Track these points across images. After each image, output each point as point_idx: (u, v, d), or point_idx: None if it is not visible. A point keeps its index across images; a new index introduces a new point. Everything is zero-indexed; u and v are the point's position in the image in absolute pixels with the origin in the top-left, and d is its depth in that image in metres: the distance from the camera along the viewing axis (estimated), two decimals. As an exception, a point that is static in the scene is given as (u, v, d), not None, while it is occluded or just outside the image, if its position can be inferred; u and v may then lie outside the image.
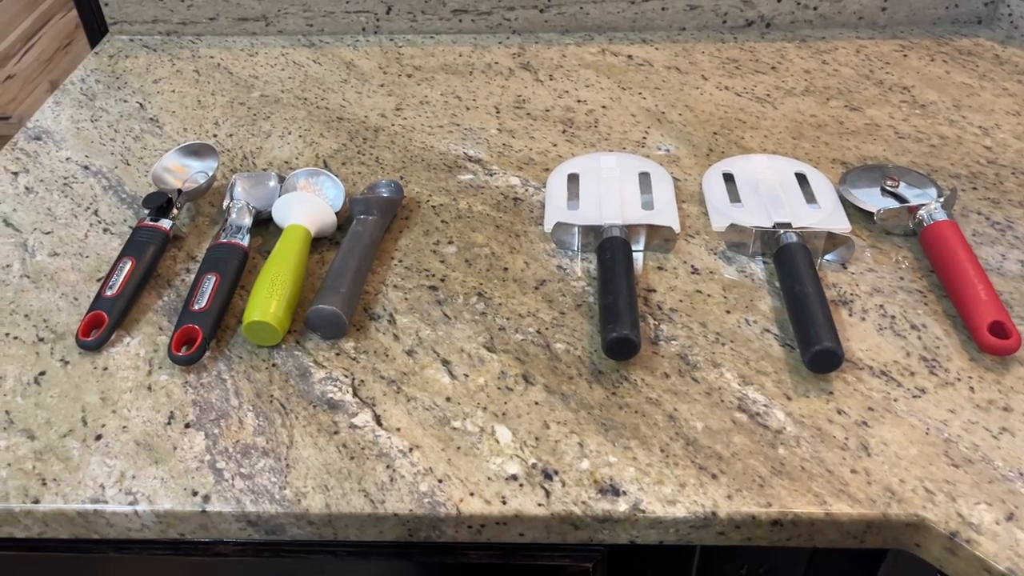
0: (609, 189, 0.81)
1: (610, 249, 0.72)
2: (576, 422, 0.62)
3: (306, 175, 0.82)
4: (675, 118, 0.94)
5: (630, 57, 1.05)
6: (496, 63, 1.05)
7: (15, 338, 0.70)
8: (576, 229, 0.75)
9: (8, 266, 0.77)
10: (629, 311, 0.66)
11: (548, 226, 0.78)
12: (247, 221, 0.76)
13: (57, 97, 1.01)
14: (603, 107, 0.96)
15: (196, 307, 0.68)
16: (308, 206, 0.76)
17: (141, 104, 0.99)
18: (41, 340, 0.70)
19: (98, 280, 0.75)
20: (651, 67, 1.03)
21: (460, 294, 0.73)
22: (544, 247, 0.77)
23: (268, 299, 0.68)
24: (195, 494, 0.58)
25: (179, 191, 0.79)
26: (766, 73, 1.01)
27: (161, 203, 0.76)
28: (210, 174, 0.82)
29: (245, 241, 0.75)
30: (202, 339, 0.67)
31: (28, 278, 0.76)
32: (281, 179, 0.82)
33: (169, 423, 0.63)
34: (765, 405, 0.62)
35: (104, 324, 0.68)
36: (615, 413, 0.62)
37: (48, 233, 0.81)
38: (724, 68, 1.02)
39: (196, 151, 0.85)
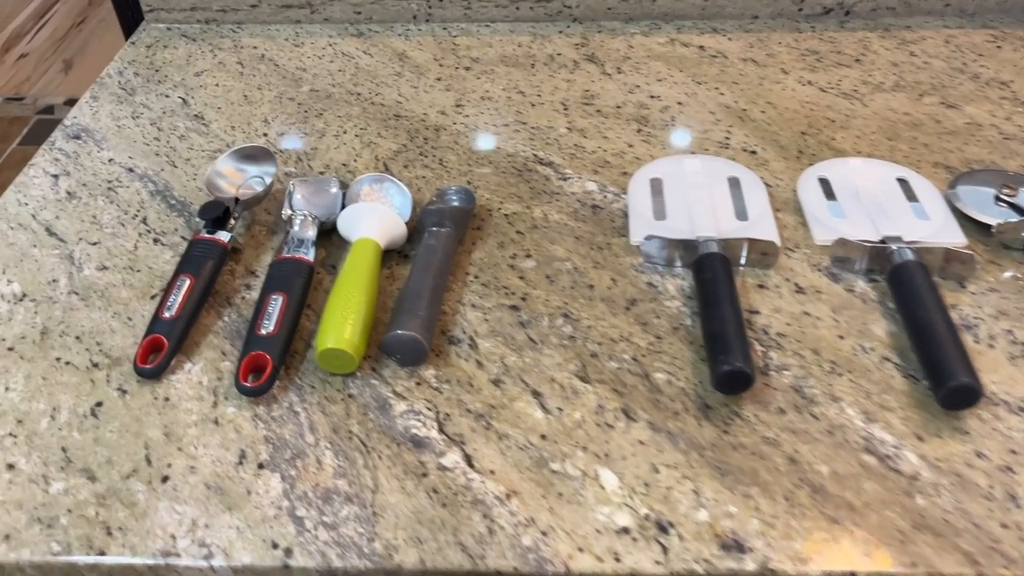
0: (698, 197, 0.75)
1: (709, 267, 0.67)
2: (688, 465, 0.56)
3: (370, 181, 0.77)
4: (757, 116, 0.88)
5: (702, 48, 0.99)
6: (559, 54, 0.98)
7: (67, 363, 0.65)
8: (668, 243, 0.69)
9: (55, 281, 0.72)
10: (739, 340, 0.60)
11: (635, 238, 0.72)
12: (311, 233, 0.71)
13: (94, 91, 0.96)
14: (679, 103, 0.90)
15: (263, 332, 0.63)
16: (379, 218, 0.70)
17: (184, 99, 0.94)
18: (95, 366, 0.65)
19: (152, 297, 0.70)
20: (726, 59, 0.97)
21: (544, 315, 0.67)
22: (631, 261, 0.72)
23: (342, 323, 0.62)
24: (275, 546, 0.53)
25: (236, 200, 0.73)
26: (850, 66, 0.94)
27: (218, 214, 0.70)
28: (268, 181, 0.76)
29: (310, 255, 0.69)
30: (272, 368, 0.61)
31: (77, 295, 0.71)
32: (343, 185, 0.77)
33: (241, 463, 0.58)
34: (895, 446, 0.57)
35: (163, 349, 0.63)
36: (730, 455, 0.57)
37: (95, 244, 0.76)
38: (804, 60, 0.96)
39: (250, 154, 0.79)
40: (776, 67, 0.95)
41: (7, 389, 0.63)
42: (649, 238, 0.70)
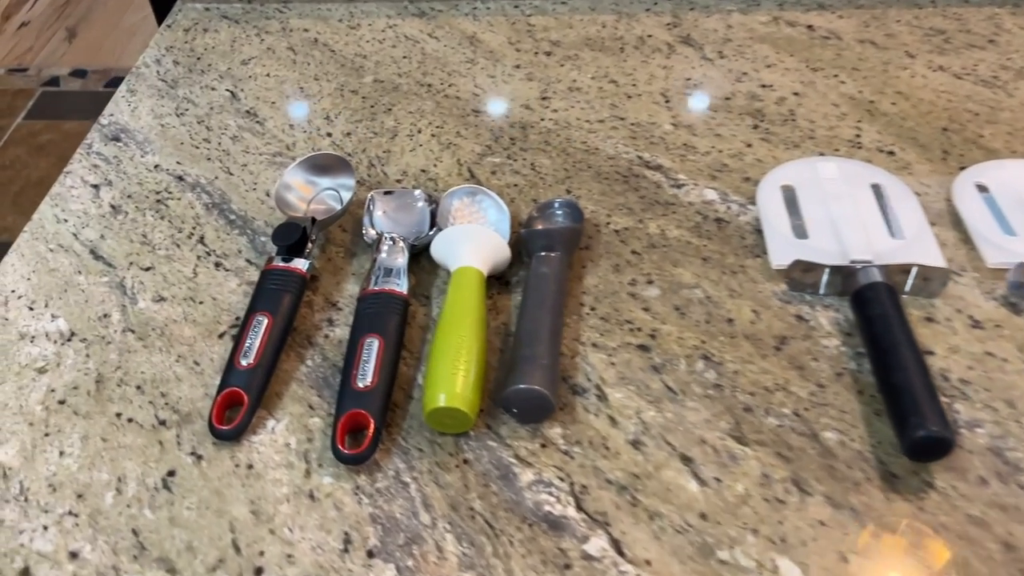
0: (843, 210, 0.65)
1: (876, 301, 0.57)
2: (882, 553, 0.48)
3: (463, 195, 0.67)
4: (888, 109, 0.77)
5: (810, 28, 0.88)
6: (649, 36, 0.88)
7: (130, 420, 0.56)
8: (816, 268, 0.60)
9: (106, 316, 0.63)
10: (929, 396, 0.51)
11: (777, 261, 0.63)
12: (402, 261, 0.61)
13: (131, 83, 0.85)
14: (795, 94, 0.80)
15: (360, 384, 0.54)
16: (482, 242, 0.61)
17: (232, 92, 0.84)
18: (162, 424, 0.56)
19: (220, 336, 0.61)
20: (840, 41, 0.86)
21: (680, 357, 0.58)
22: (771, 288, 0.62)
23: (452, 375, 0.53)
24: (400, 662, 0.45)
25: (312, 220, 0.64)
26: (984, 48, 0.84)
27: (295, 239, 0.61)
28: (346, 196, 0.66)
29: (403, 287, 0.60)
30: (374, 429, 0.52)
31: (133, 333, 0.62)
32: (430, 199, 0.67)
33: (346, 550, 0.49)
34: None
35: (243, 405, 0.54)
36: (931, 540, 0.48)
37: (148, 269, 0.66)
38: (930, 41, 0.85)
39: (322, 164, 0.69)
40: (899, 50, 0.84)
41: (62, 454, 0.54)
42: (798, 264, 0.60)
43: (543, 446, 0.53)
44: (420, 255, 0.65)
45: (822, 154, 0.73)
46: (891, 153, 0.72)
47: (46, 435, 0.55)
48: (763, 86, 0.80)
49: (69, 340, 0.61)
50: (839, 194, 0.66)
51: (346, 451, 0.51)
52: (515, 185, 0.71)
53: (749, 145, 0.74)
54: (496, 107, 0.80)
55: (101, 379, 0.58)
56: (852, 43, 0.85)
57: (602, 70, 0.83)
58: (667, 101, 0.79)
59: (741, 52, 0.85)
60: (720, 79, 0.81)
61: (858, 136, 0.74)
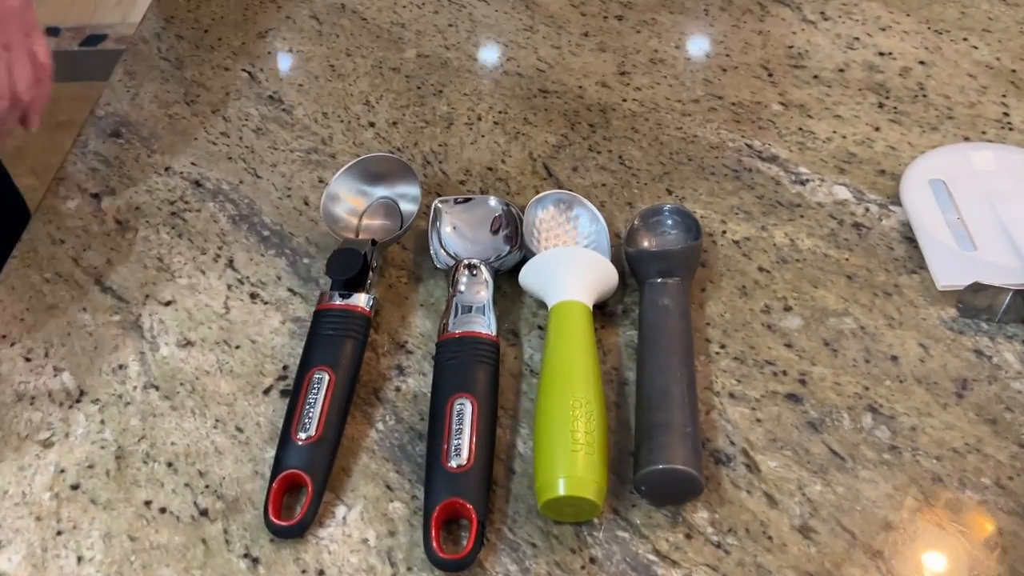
0: (1014, 212, 0.54)
1: (1085, 335, 0.47)
2: None
3: (548, 204, 0.55)
4: (1036, 79, 0.66)
5: (925, -20, 0.76)
6: (736, -6, 0.75)
7: (162, 511, 0.45)
8: (1006, 293, 0.49)
9: (122, 368, 0.51)
10: None
11: (944, 280, 0.51)
12: (486, 295, 0.49)
13: (128, 64, 0.72)
14: (921, 63, 0.68)
15: (454, 464, 0.43)
16: (586, 270, 0.49)
17: (250, 73, 0.71)
18: (204, 514, 0.45)
19: (265, 392, 0.49)
20: (962, -5, 0.74)
21: (841, 409, 0.47)
22: (937, 314, 0.51)
23: (571, 451, 0.42)
24: None
25: (373, 243, 0.52)
26: None
27: (355, 271, 0.50)
28: (409, 210, 0.54)
29: (492, 328, 0.48)
30: (477, 524, 0.42)
31: (157, 390, 0.50)
32: (507, 208, 0.55)
33: None
34: None
35: (308, 492, 0.43)
36: None
37: (169, 304, 0.55)
38: (1068, -6, 0.73)
39: (375, 168, 0.57)
40: (1034, 5, 0.72)
41: (80, 559, 0.43)
42: (975, 286, 0.49)
43: (688, 536, 0.43)
44: (499, 277, 0.54)
45: (967, 138, 0.61)
46: (1050, 135, 0.61)
47: (59, 533, 0.44)
48: (881, 54, 0.68)
49: (78, 401, 0.49)
50: (1005, 191, 0.55)
51: (444, 555, 0.41)
52: (603, 184, 0.60)
53: (877, 129, 0.62)
54: (567, 85, 0.67)
55: (122, 454, 0.47)
56: (977, -1, 0.73)
57: (686, 37, 0.71)
58: (770, 75, 0.67)
59: (847, 12, 0.72)
60: (828, 46, 0.69)
61: (1006, 115, 0.63)
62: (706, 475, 0.44)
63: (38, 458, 0.47)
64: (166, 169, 0.63)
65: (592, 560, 0.42)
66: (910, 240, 0.55)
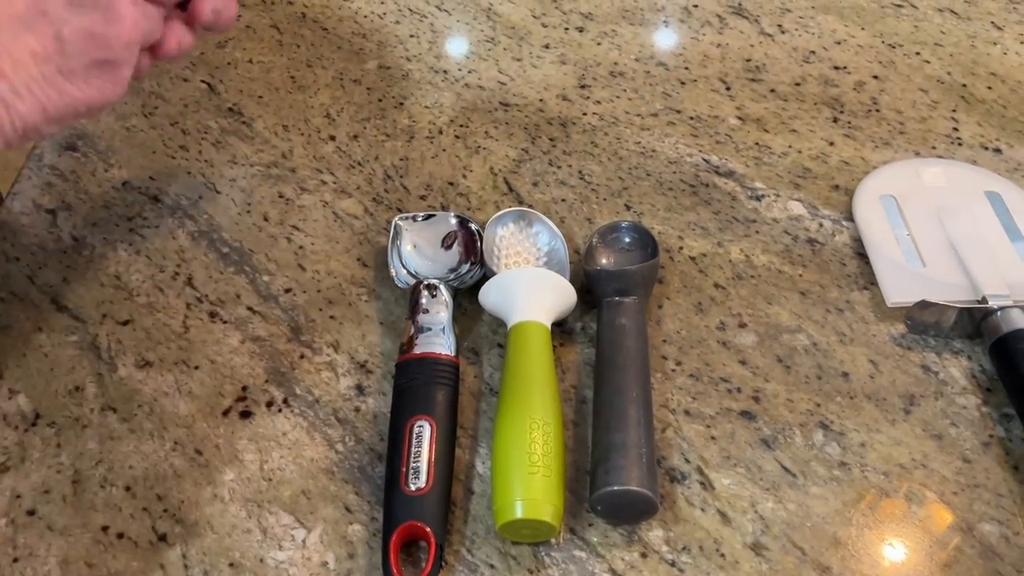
0: (961, 229, 0.55)
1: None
2: None
3: (508, 221, 0.55)
4: (985, 95, 0.67)
5: (879, -7, 0.77)
6: (695, 6, 0.76)
7: (120, 536, 0.44)
8: (953, 311, 0.50)
9: (78, 390, 0.51)
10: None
11: (894, 297, 0.52)
12: (445, 315, 0.50)
13: (84, 74, 0.72)
14: (875, 77, 0.69)
15: (413, 487, 0.43)
16: (546, 290, 0.49)
17: (209, 84, 0.70)
18: (162, 539, 0.44)
19: (224, 413, 0.49)
20: (915, 10, 0.75)
21: (793, 426, 0.48)
22: (887, 331, 0.52)
23: (528, 473, 0.42)
24: None
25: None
26: (1079, 16, 0.74)
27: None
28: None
29: (451, 348, 0.48)
30: (435, 547, 0.42)
31: (115, 412, 0.50)
32: (466, 225, 0.56)
33: None
34: None
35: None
36: None
37: (126, 323, 0.54)
38: (1016, 11, 0.74)
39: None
40: (983, 20, 0.73)
41: (37, 588, 0.43)
42: (922, 304, 0.50)
43: (643, 555, 0.43)
44: (458, 294, 0.54)
45: (918, 153, 0.62)
46: (998, 151, 0.62)
47: (15, 560, 0.44)
48: (836, 68, 0.69)
49: (34, 424, 0.49)
50: (952, 207, 0.57)
51: (402, 578, 0.41)
52: (563, 200, 0.60)
53: (831, 143, 0.63)
54: (528, 99, 0.67)
55: (79, 478, 0.47)
56: (930, 12, 0.74)
57: (646, 49, 0.72)
58: (728, 88, 0.68)
59: (804, 25, 0.73)
60: (785, 59, 0.70)
61: (956, 130, 0.64)
62: (661, 493, 0.45)
63: (-7, 484, 0.47)
64: (124, 184, 0.62)
65: (549, 580, 0.43)
66: (862, 256, 0.56)
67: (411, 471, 0.43)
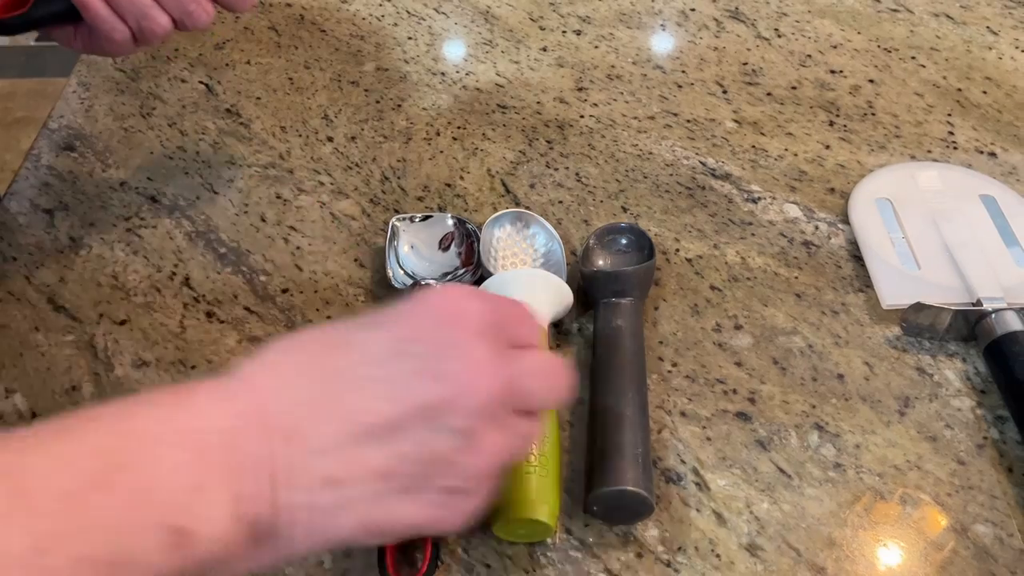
0: (956, 232, 0.55)
1: (1020, 355, 0.48)
2: None
3: (504, 222, 0.55)
4: (980, 99, 0.67)
5: (876, 0, 0.77)
6: (692, 10, 0.76)
7: (116, 535, 0.45)
8: (947, 313, 0.51)
9: (75, 389, 0.51)
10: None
11: (889, 300, 0.53)
12: (444, 313, 0.50)
13: (81, 75, 0.72)
14: (871, 81, 0.69)
15: (409, 487, 0.44)
16: (543, 291, 0.49)
17: (208, 86, 0.70)
18: (158, 538, 0.45)
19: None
20: (911, 15, 0.75)
21: (789, 427, 0.49)
22: (882, 333, 0.53)
23: (525, 473, 0.42)
24: None
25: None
26: (1073, 22, 0.74)
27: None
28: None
29: (447, 349, 0.49)
30: (431, 547, 0.42)
31: (110, 411, 0.50)
32: (463, 226, 0.56)
33: None
34: None
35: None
36: None
37: (123, 323, 0.54)
38: (1012, 15, 0.75)
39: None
40: (979, 25, 0.74)
41: (32, 586, 0.43)
42: (917, 306, 0.51)
43: (639, 555, 0.43)
44: (457, 296, 0.54)
45: (913, 157, 0.63)
46: (993, 155, 0.63)
47: (10, 560, 0.44)
48: (832, 72, 0.70)
49: (29, 423, 0.49)
50: (947, 211, 0.57)
51: (399, 578, 0.41)
52: (560, 202, 0.60)
53: (827, 147, 0.64)
54: (525, 101, 0.68)
55: (75, 477, 0.47)
56: (925, 17, 0.74)
57: (643, 53, 0.72)
58: (724, 92, 0.68)
59: (801, 29, 0.74)
60: (782, 63, 0.70)
61: (951, 134, 0.64)
62: (657, 494, 0.45)
63: (-11, 482, 0.46)
64: (121, 184, 0.62)
65: (545, 580, 0.43)
66: (857, 258, 0.56)
67: (407, 471, 0.44)
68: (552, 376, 0.36)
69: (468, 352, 0.33)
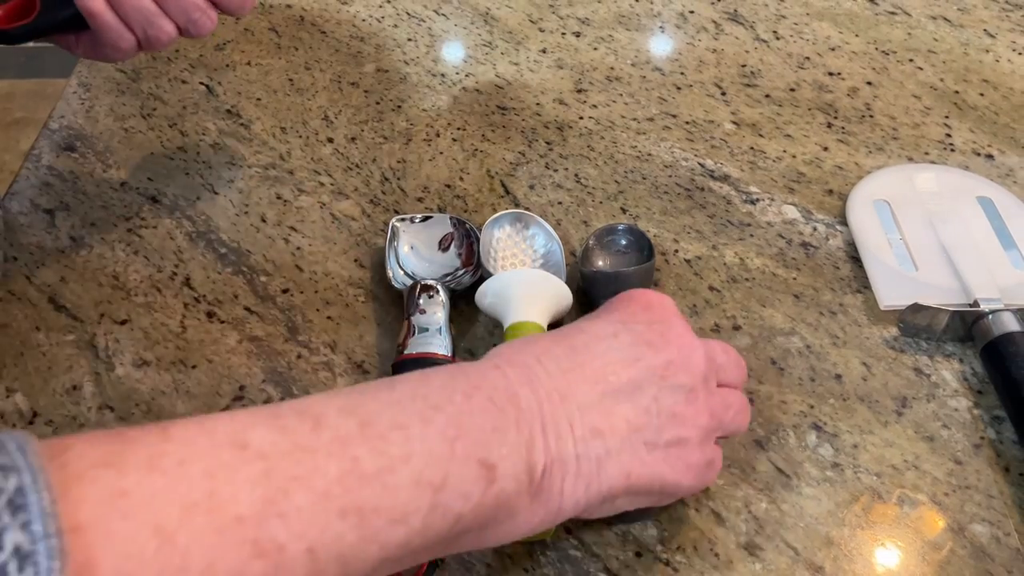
0: (953, 234, 0.56)
1: (1017, 356, 0.48)
2: None
3: (504, 223, 0.56)
4: (977, 101, 0.68)
5: (873, 2, 0.78)
6: (691, 12, 0.77)
7: None
8: (944, 314, 0.51)
9: (76, 389, 0.51)
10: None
11: (887, 301, 0.53)
12: (442, 315, 0.50)
13: (82, 76, 0.72)
14: (868, 83, 0.70)
15: (409, 486, 0.44)
16: (542, 292, 0.49)
17: (208, 86, 0.70)
18: (159, 537, 0.45)
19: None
20: (908, 17, 0.76)
21: (787, 428, 0.49)
22: (880, 334, 0.53)
23: (525, 472, 0.43)
24: None
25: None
26: (1070, 25, 0.75)
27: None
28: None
29: (447, 349, 0.49)
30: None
31: (112, 411, 0.50)
32: (463, 227, 0.56)
33: None
34: None
35: None
36: None
37: (124, 323, 0.54)
38: (1009, 18, 0.75)
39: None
40: (976, 28, 0.74)
41: (33, 585, 0.44)
42: (915, 307, 0.51)
43: (638, 555, 0.44)
44: (455, 296, 0.54)
45: (911, 159, 0.63)
46: (990, 157, 0.63)
47: (11, 558, 0.44)
48: (830, 74, 0.70)
49: (31, 423, 0.49)
50: (945, 212, 0.57)
51: (399, 576, 0.42)
52: (559, 203, 0.61)
53: (825, 148, 0.64)
54: (525, 102, 0.68)
55: (76, 476, 0.47)
56: (922, 20, 0.75)
57: (642, 55, 0.72)
58: (723, 94, 0.68)
59: (799, 32, 0.74)
60: (780, 65, 0.71)
61: (948, 136, 0.65)
62: (656, 493, 0.46)
63: (-10, 481, 0.47)
64: (122, 184, 0.63)
65: (545, 579, 0.43)
66: (855, 260, 0.56)
67: (408, 470, 0.44)
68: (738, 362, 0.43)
69: (675, 327, 0.40)
